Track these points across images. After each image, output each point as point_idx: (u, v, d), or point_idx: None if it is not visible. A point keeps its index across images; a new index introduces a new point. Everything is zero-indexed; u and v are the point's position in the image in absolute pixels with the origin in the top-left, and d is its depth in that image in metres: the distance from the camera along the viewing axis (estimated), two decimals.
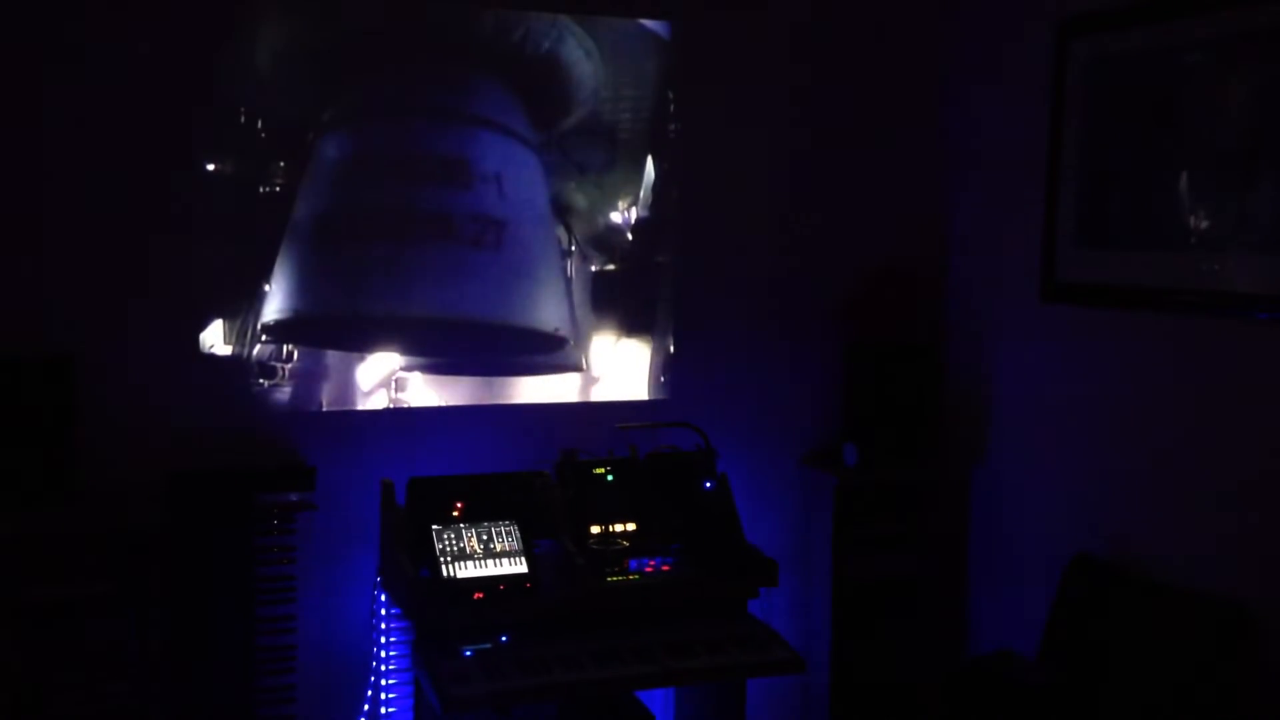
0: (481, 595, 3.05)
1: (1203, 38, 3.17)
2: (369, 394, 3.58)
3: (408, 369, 3.62)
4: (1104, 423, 3.49)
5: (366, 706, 3.42)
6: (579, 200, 3.79)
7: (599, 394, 3.85)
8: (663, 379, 3.93)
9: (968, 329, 4.08)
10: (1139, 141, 3.36)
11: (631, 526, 3.40)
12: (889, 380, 3.93)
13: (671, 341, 3.92)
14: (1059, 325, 3.66)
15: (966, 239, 4.11)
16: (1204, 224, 3.17)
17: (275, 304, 3.45)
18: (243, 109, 3.37)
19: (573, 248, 3.78)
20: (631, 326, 3.88)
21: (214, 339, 3.40)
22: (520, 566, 3.13)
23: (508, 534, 3.19)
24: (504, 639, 3.05)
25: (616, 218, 3.85)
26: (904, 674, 3.99)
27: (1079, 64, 3.54)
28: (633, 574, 3.25)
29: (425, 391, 3.64)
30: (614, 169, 3.83)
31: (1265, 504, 2.99)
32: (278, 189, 3.44)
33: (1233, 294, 3.08)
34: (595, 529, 3.36)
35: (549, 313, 3.76)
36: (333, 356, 3.54)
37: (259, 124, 3.40)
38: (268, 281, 3.44)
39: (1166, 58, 3.26)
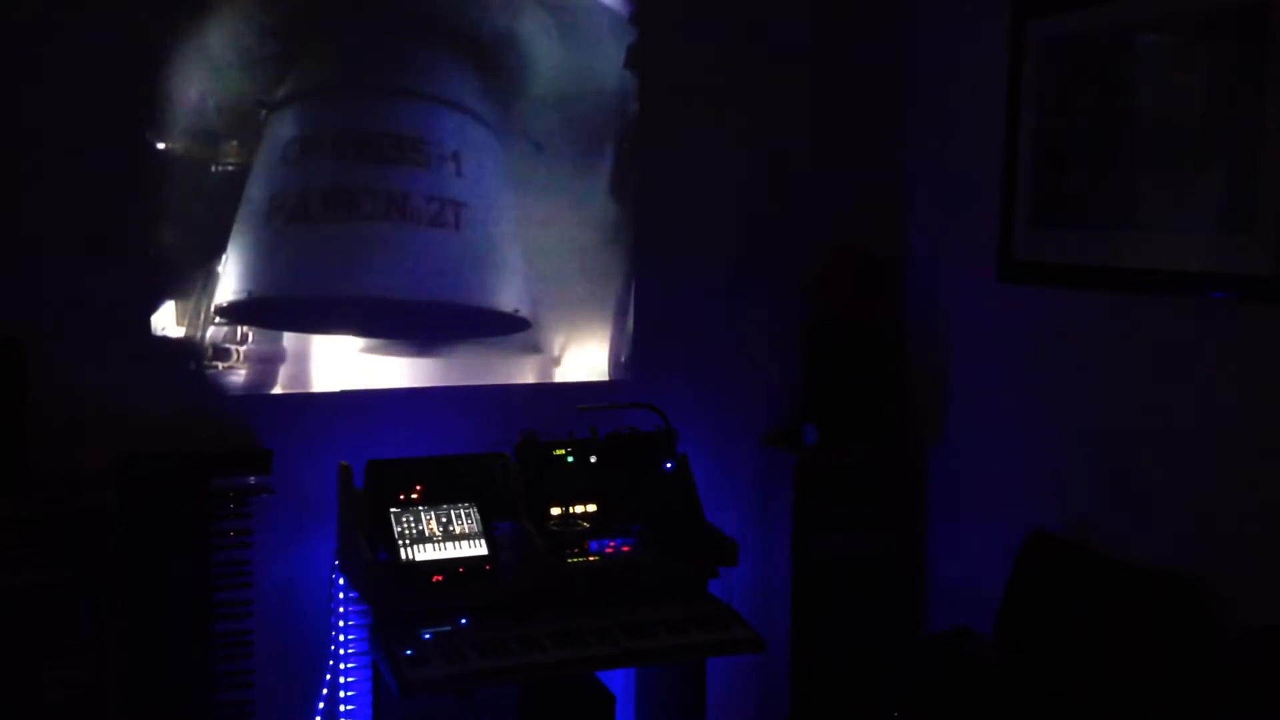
0: (441, 578, 3.03)
1: (1158, 18, 3.18)
2: (326, 375, 3.54)
3: (366, 350, 3.58)
4: (1060, 401, 3.52)
5: (325, 690, 3.40)
6: (538, 180, 3.75)
7: (559, 375, 3.83)
8: (623, 360, 3.91)
9: (926, 309, 4.10)
10: (1095, 121, 3.37)
11: (592, 508, 3.39)
12: (848, 360, 3.94)
13: (632, 322, 3.91)
14: (1016, 305, 3.69)
15: (925, 220, 4.13)
16: (1159, 203, 3.20)
17: (229, 285, 3.40)
18: (195, 86, 3.31)
19: (531, 227, 3.75)
20: (592, 306, 3.87)
21: (166, 321, 3.35)
22: (480, 549, 3.12)
23: (467, 516, 3.18)
24: (464, 621, 3.04)
25: (575, 198, 3.82)
26: (863, 652, 4.02)
27: (1036, 44, 3.56)
28: (593, 555, 3.24)
29: (384, 373, 3.61)
30: (573, 149, 3.79)
31: (1220, 481, 3.03)
32: (230, 168, 3.39)
33: (1187, 273, 3.10)
34: (555, 510, 3.35)
35: (509, 293, 3.74)
36: (289, 338, 3.50)
37: (211, 102, 3.34)
38: (220, 263, 3.39)
39: (1122, 38, 3.28)
